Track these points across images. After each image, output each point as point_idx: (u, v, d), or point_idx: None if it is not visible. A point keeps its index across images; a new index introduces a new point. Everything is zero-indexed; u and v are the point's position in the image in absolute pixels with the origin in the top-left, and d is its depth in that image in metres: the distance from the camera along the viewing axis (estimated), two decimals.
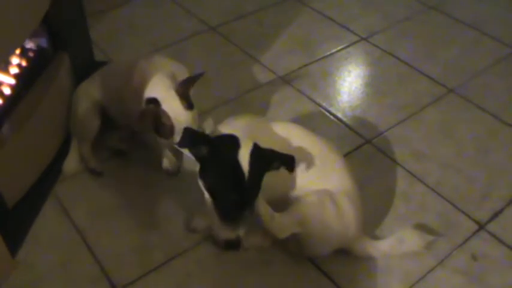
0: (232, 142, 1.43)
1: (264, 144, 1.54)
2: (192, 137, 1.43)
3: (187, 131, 1.45)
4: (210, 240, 1.74)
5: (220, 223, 1.45)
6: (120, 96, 1.85)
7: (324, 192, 1.58)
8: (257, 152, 1.42)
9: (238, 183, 1.39)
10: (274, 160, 1.44)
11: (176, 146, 1.59)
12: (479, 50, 2.65)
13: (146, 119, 1.66)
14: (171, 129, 1.66)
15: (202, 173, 1.45)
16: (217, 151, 1.41)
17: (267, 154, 1.44)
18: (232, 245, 1.45)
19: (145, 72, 1.77)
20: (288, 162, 1.45)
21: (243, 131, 1.55)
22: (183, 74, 1.79)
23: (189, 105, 1.67)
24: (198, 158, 1.43)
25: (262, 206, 1.54)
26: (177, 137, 1.61)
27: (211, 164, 1.42)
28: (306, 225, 1.58)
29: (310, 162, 1.61)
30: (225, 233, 1.45)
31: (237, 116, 1.73)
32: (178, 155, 1.96)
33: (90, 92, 1.96)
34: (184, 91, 1.66)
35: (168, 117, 1.65)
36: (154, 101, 1.66)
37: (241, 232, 1.46)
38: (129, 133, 2.03)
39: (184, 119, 1.65)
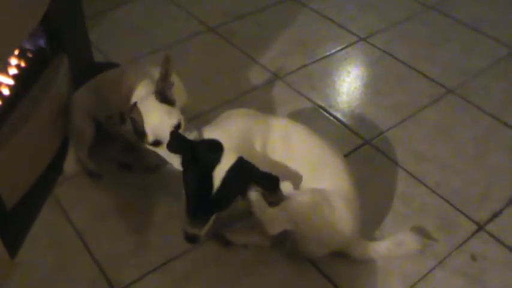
0: (213, 152, 1.45)
1: (260, 139, 1.55)
2: (179, 142, 1.47)
3: (174, 135, 1.48)
4: (208, 242, 1.74)
5: (185, 216, 1.50)
6: (111, 108, 1.87)
7: (318, 192, 1.58)
8: (237, 168, 1.44)
9: (204, 193, 1.44)
10: (253, 180, 1.46)
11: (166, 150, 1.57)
12: (478, 51, 2.65)
13: (121, 121, 1.65)
14: (141, 124, 1.61)
15: (183, 172, 1.49)
16: (196, 158, 1.45)
17: (247, 172, 1.45)
18: (189, 239, 1.50)
19: (133, 83, 1.79)
20: (269, 183, 1.45)
21: (240, 126, 1.59)
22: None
23: (162, 99, 1.62)
24: (182, 160, 1.48)
25: (256, 198, 1.54)
26: (150, 134, 1.60)
27: (188, 168, 1.47)
28: (297, 223, 1.58)
29: (305, 162, 1.61)
30: (186, 226, 1.49)
31: (238, 109, 1.74)
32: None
33: (84, 102, 1.96)
34: (159, 87, 1.62)
35: (139, 112, 1.62)
36: (134, 104, 1.66)
37: (201, 231, 1.49)
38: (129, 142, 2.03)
39: (153, 112, 1.61)
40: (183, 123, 1.63)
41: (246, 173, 1.45)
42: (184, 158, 1.47)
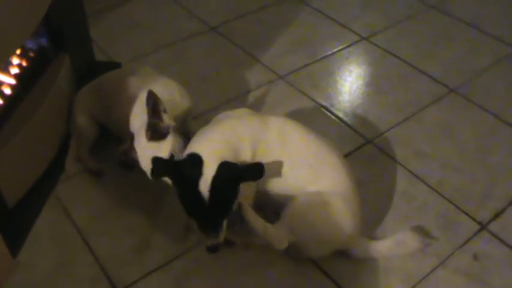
0: (193, 167, 1.46)
1: (249, 140, 1.57)
2: (161, 167, 1.48)
3: (155, 161, 1.48)
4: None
5: (198, 232, 1.52)
6: (110, 110, 1.89)
7: (313, 195, 1.58)
8: (221, 173, 1.44)
9: (201, 207, 1.45)
10: (240, 178, 1.46)
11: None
12: (480, 50, 2.64)
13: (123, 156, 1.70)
14: (138, 163, 1.65)
15: (176, 193, 1.50)
16: (180, 179, 1.47)
17: (233, 173, 1.45)
18: (211, 250, 1.52)
19: (132, 92, 1.80)
20: (255, 173, 1.46)
21: (225, 129, 1.59)
22: (171, 91, 1.80)
23: (152, 135, 1.62)
24: (171, 182, 1.50)
25: (253, 219, 1.56)
26: (145, 169, 1.63)
27: (178, 189, 1.49)
28: (297, 231, 1.58)
29: (303, 161, 1.61)
30: (203, 240, 1.52)
31: (233, 110, 1.74)
32: None
33: (86, 102, 1.96)
34: (149, 125, 1.62)
35: (135, 151, 1.65)
36: (131, 136, 1.68)
37: (218, 239, 1.50)
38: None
39: (145, 153, 1.63)
40: (177, 147, 1.65)
41: (232, 174, 1.45)
42: (171, 179, 1.49)
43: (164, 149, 1.62)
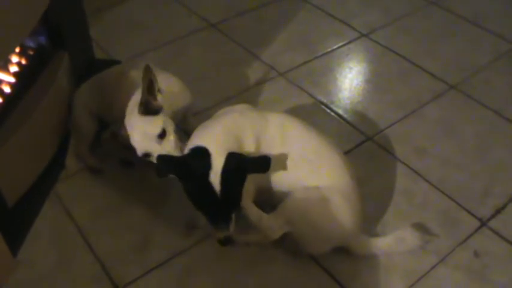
0: (201, 160, 1.45)
1: (252, 135, 1.57)
2: (167, 164, 1.47)
3: (159, 160, 1.48)
4: (211, 238, 1.74)
5: (209, 226, 1.52)
6: (111, 106, 1.88)
7: (312, 190, 1.58)
8: (229, 164, 1.44)
9: (212, 201, 1.45)
10: (247, 168, 1.46)
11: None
12: (481, 46, 2.64)
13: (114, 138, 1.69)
14: (128, 139, 1.64)
15: (183, 188, 1.50)
16: (188, 173, 1.46)
17: (241, 164, 1.45)
18: (223, 243, 1.51)
19: (133, 86, 1.79)
20: (261, 166, 1.46)
21: (229, 123, 1.59)
22: (171, 85, 1.80)
23: (145, 111, 1.60)
24: (178, 178, 1.48)
25: (249, 208, 1.56)
26: (137, 149, 1.61)
27: (186, 184, 1.48)
28: (294, 224, 1.59)
29: (303, 157, 1.61)
30: (215, 233, 1.51)
31: (235, 105, 1.74)
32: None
33: (86, 99, 1.96)
34: (143, 99, 1.60)
35: (125, 128, 1.64)
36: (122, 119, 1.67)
37: (229, 231, 1.49)
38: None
39: (136, 127, 1.61)
40: (170, 127, 1.63)
41: (239, 165, 1.45)
42: (178, 176, 1.47)
43: (156, 124, 1.60)
